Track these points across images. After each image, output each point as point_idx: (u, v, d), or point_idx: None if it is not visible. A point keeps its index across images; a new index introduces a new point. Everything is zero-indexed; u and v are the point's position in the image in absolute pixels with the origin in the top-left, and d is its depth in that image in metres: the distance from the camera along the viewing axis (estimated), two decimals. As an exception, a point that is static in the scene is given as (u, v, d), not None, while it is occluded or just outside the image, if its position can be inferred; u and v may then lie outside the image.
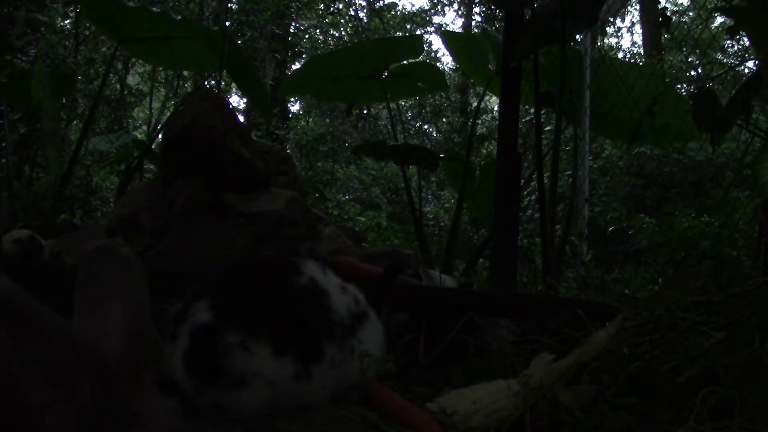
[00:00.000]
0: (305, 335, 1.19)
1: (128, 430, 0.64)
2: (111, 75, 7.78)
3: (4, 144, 4.90)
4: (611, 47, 13.32)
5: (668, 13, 3.09)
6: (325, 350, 1.20)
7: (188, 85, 10.14)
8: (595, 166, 6.97)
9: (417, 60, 4.43)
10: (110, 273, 0.73)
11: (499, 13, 11.26)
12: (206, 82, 9.46)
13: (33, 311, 0.60)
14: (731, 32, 2.58)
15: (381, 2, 15.09)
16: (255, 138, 3.65)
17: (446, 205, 9.09)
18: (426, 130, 13.92)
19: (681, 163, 6.07)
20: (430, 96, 12.20)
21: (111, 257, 0.74)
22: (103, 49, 8.25)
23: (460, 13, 16.09)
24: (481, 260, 4.12)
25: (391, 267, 1.54)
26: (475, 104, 8.37)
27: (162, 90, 10.58)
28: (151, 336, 0.74)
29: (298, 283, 1.25)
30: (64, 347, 0.61)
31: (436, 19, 16.79)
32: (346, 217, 8.14)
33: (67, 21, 8.23)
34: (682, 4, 14.11)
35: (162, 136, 3.27)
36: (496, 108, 10.85)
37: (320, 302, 1.24)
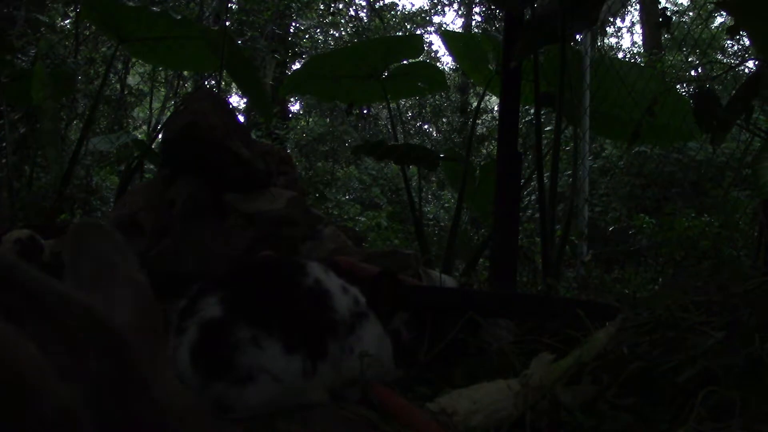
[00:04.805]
0: (313, 333, 1.20)
1: (140, 399, 0.64)
2: (111, 75, 7.78)
3: (4, 144, 4.90)
4: (611, 47, 13.33)
5: (668, 13, 3.08)
6: (329, 348, 1.22)
7: (188, 85, 10.14)
8: (595, 166, 6.97)
9: (417, 60, 4.43)
10: (102, 248, 0.73)
11: (499, 13, 11.27)
12: (206, 82, 9.46)
13: (40, 283, 0.61)
14: (731, 32, 2.58)
15: (381, 2, 15.09)
16: (255, 138, 3.64)
17: (446, 205, 9.09)
18: (426, 130, 13.92)
19: (681, 163, 6.08)
20: (430, 96, 12.20)
21: (98, 233, 0.74)
22: (103, 49, 8.25)
23: (460, 13, 16.09)
24: (481, 260, 4.11)
25: (381, 274, 1.45)
26: (475, 104, 8.36)
27: (162, 90, 10.58)
28: (158, 309, 0.74)
29: (305, 283, 1.26)
30: (73, 317, 0.62)
31: (436, 19, 16.78)
32: (346, 217, 8.14)
33: (67, 21, 8.22)
34: (682, 4, 14.12)
35: (162, 136, 3.27)
36: (496, 108, 10.84)
37: (324, 302, 1.26)
